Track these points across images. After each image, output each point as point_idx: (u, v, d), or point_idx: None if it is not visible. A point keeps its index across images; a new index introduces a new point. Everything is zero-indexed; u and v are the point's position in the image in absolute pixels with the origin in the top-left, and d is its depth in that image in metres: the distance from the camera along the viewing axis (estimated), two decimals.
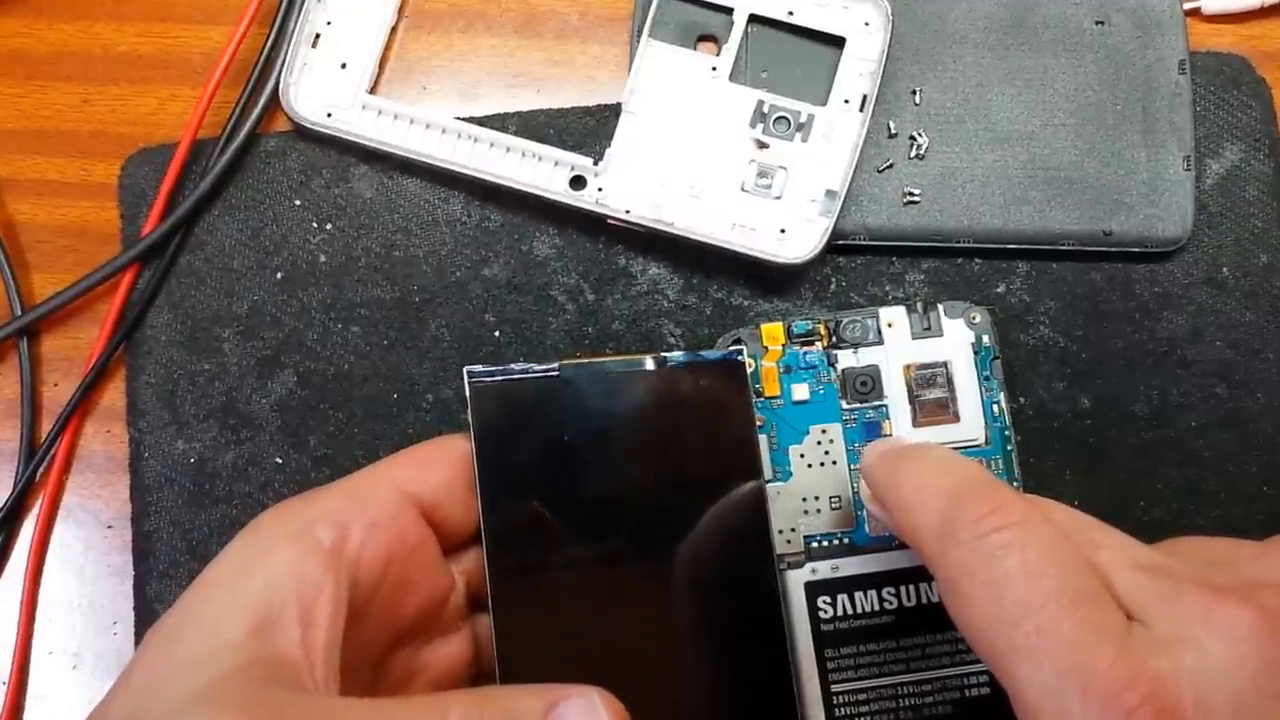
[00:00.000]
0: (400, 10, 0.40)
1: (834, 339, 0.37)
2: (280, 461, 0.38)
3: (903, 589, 0.35)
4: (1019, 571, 0.25)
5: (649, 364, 0.34)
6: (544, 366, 0.34)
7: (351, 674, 0.28)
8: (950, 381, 0.36)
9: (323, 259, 0.39)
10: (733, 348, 0.36)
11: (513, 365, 0.34)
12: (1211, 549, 0.27)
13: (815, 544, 0.35)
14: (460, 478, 0.32)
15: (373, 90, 0.40)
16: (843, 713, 0.34)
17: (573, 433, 0.33)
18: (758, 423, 0.35)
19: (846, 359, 0.36)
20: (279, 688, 0.25)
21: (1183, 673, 0.23)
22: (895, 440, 0.36)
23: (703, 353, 0.35)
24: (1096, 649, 0.23)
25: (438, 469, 0.32)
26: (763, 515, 0.34)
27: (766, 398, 0.36)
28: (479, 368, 0.33)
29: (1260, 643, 0.23)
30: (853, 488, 0.36)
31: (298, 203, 0.39)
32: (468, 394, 0.33)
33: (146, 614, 0.37)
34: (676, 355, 0.34)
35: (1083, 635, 0.24)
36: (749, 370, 0.35)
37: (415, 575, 0.31)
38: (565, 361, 0.34)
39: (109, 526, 0.39)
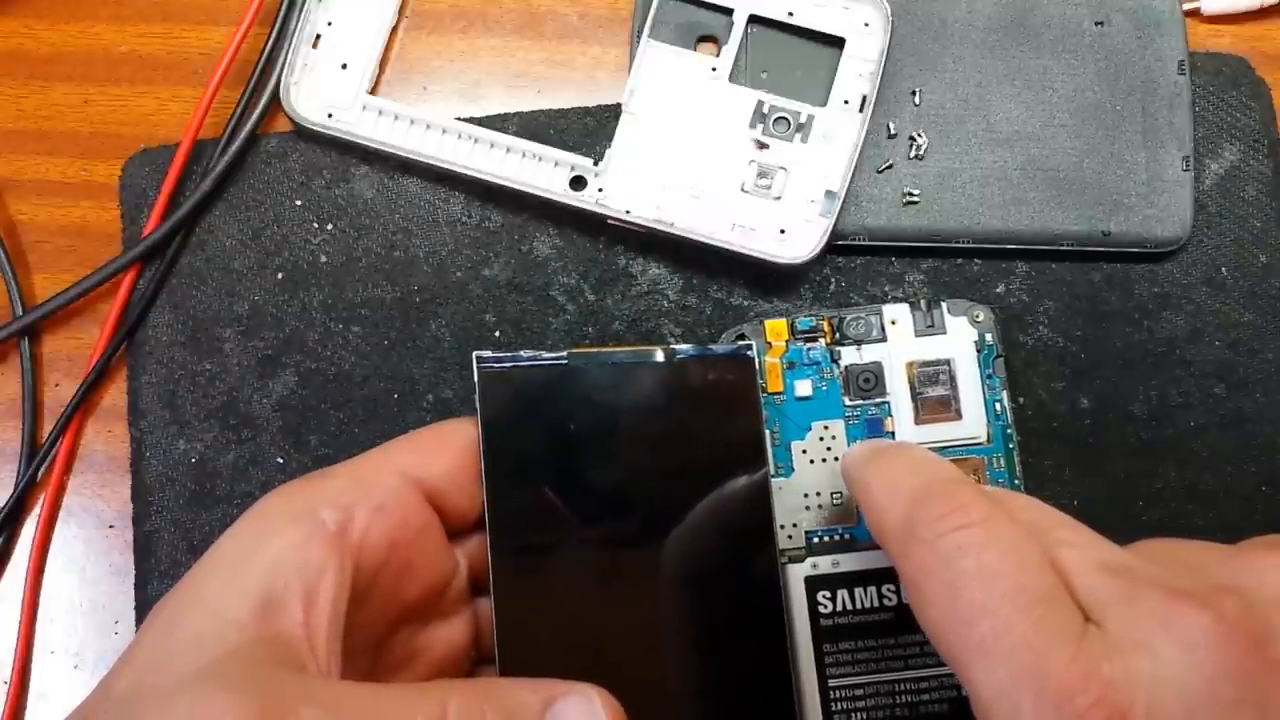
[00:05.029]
0: (401, 11, 0.40)
1: (837, 335, 0.37)
2: (281, 461, 0.38)
3: (902, 586, 0.35)
4: (975, 572, 0.25)
5: (658, 355, 0.34)
6: (553, 355, 0.34)
7: (352, 654, 0.28)
8: (953, 379, 0.36)
9: (323, 259, 0.39)
10: (741, 343, 0.36)
11: (521, 352, 0.34)
12: (1182, 551, 0.27)
13: (816, 539, 0.35)
14: (466, 463, 0.32)
15: (373, 91, 0.40)
16: (840, 707, 0.34)
17: (579, 422, 0.33)
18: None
19: (850, 355, 0.36)
20: (281, 668, 0.25)
21: (1136, 678, 0.23)
22: (880, 441, 0.36)
23: (712, 347, 0.35)
24: (1051, 651, 0.23)
25: (443, 453, 0.32)
26: (766, 510, 0.34)
27: (769, 393, 0.36)
28: (488, 353, 0.33)
29: (1217, 650, 0.23)
30: None
31: (298, 203, 0.39)
32: (476, 379, 0.33)
33: (147, 614, 0.37)
34: (686, 348, 0.34)
35: (1037, 637, 0.23)
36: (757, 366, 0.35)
37: (418, 559, 0.31)
38: (574, 350, 0.34)
39: (110, 526, 0.39)
